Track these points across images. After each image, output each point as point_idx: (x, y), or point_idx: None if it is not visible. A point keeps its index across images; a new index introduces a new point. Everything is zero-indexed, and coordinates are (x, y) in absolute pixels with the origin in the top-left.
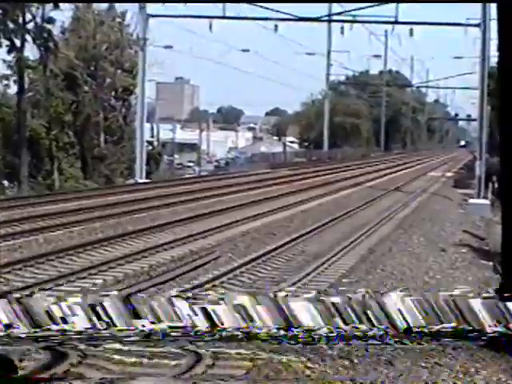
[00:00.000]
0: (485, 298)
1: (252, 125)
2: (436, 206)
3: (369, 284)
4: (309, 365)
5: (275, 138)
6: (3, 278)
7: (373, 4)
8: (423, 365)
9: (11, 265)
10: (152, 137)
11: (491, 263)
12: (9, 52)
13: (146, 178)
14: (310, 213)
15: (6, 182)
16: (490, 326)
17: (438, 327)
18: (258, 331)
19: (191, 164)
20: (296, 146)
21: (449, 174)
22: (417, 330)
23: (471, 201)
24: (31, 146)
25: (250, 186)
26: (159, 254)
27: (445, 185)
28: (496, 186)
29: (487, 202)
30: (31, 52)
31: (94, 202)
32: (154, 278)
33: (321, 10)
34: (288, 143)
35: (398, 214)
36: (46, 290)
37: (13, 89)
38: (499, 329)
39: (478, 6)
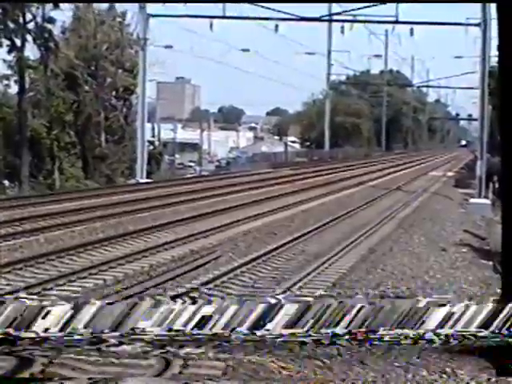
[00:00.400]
0: (472, 298)
1: (253, 124)
2: (437, 205)
3: (369, 283)
4: (283, 365)
5: (276, 137)
6: (4, 278)
7: (373, 4)
8: (397, 364)
9: (12, 264)
10: (153, 136)
11: (491, 263)
12: (9, 52)
13: (147, 177)
14: (310, 212)
15: (6, 182)
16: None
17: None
18: (231, 334)
19: (192, 164)
20: (297, 145)
21: (450, 174)
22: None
23: (472, 200)
24: (32, 145)
25: (251, 186)
26: (160, 254)
27: (446, 184)
28: (497, 185)
29: (488, 201)
30: (32, 52)
31: (95, 202)
32: (154, 278)
33: (321, 9)
34: (289, 143)
35: (399, 213)
36: (48, 289)
37: (13, 89)
38: (484, 332)
39: (478, 5)
